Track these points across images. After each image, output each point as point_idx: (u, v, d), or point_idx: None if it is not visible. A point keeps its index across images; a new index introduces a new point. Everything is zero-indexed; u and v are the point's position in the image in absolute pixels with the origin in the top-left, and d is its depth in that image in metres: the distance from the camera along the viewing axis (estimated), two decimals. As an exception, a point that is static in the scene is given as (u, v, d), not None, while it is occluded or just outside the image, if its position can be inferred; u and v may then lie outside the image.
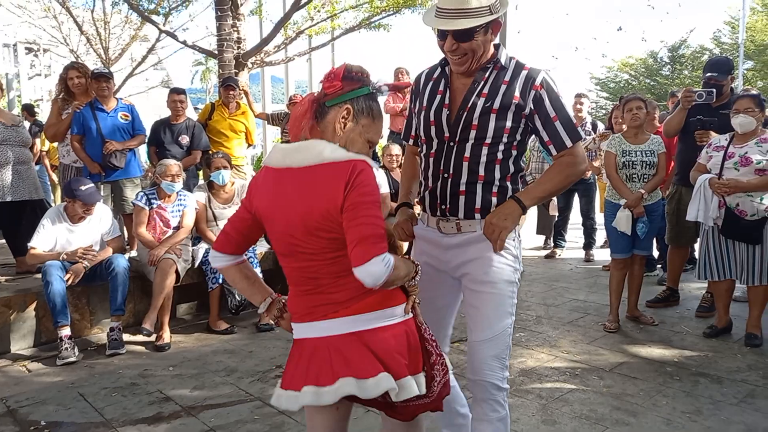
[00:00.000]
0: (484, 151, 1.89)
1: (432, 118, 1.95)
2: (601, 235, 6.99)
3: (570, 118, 1.90)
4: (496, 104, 1.86)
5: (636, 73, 29.61)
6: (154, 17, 9.31)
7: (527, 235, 7.41)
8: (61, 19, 14.41)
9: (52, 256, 3.89)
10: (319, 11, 9.39)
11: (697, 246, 4.37)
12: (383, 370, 1.54)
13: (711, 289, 4.28)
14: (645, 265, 4.44)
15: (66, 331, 3.79)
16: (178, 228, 4.29)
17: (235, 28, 7.73)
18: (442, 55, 1.94)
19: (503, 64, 1.90)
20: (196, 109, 21.77)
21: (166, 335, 4.05)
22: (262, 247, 4.93)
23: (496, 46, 1.92)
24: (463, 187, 1.91)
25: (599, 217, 6.66)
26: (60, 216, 4.01)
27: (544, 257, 6.77)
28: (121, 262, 3.98)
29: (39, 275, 4.00)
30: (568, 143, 1.88)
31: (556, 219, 6.83)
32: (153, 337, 4.05)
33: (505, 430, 1.98)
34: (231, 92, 5.87)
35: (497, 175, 1.91)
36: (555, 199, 6.77)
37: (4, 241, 5.14)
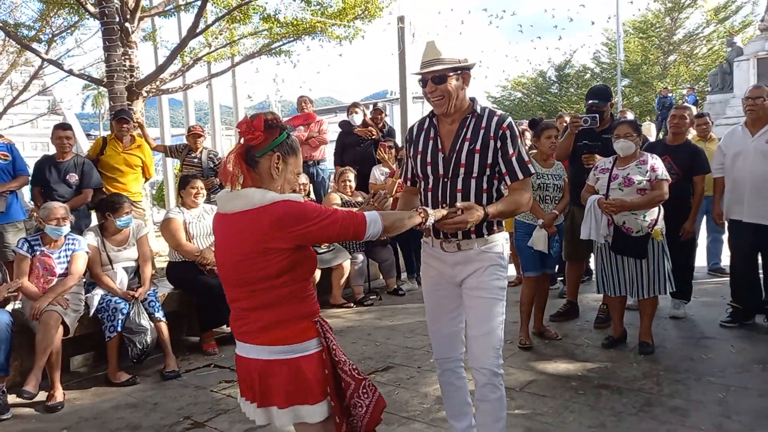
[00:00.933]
0: (472, 183, 2.37)
1: (429, 160, 2.43)
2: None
3: (524, 157, 2.38)
4: (478, 145, 2.35)
5: (528, 91, 31.49)
6: (35, 45, 8.68)
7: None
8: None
9: None
10: (217, 38, 9.17)
11: (592, 259, 4.66)
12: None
13: (606, 302, 4.56)
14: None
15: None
16: (65, 275, 3.97)
17: (126, 56, 7.36)
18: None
19: (479, 113, 2.40)
20: (88, 135, 20.51)
21: (59, 393, 3.71)
22: (164, 288, 4.69)
23: (472, 99, 2.43)
24: None
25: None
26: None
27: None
28: (2, 317, 3.61)
29: None
30: (520, 176, 2.37)
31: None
32: (44, 396, 3.70)
33: (502, 407, 2.42)
34: (124, 125, 5.57)
35: (484, 201, 2.36)
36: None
37: None
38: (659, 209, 4.01)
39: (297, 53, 9.98)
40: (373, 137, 6.79)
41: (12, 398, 3.67)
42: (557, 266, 5.84)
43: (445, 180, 2.39)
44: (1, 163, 4.51)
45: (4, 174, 4.52)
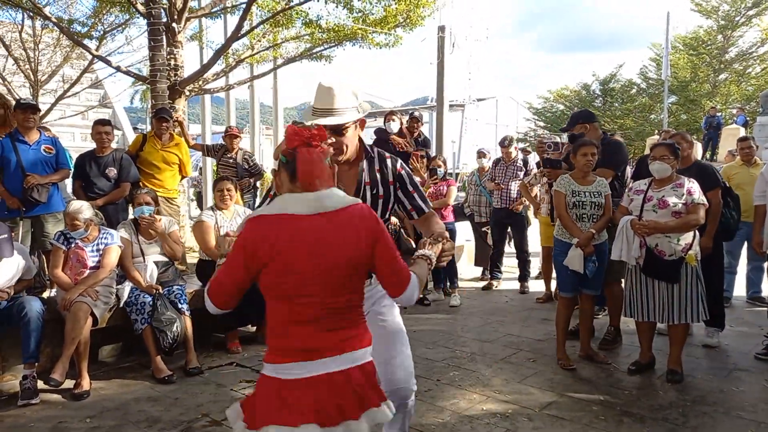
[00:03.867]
0: None
1: None
2: (535, 265, 7.19)
3: (422, 191, 2.47)
4: (381, 191, 2.36)
5: (570, 104, 31.00)
6: (87, 41, 8.99)
7: (466, 267, 7.54)
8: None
9: None
10: (260, 41, 9.34)
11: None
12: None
13: (636, 326, 4.42)
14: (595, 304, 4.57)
15: (-27, 382, 3.52)
16: (96, 268, 4.09)
17: (171, 56, 7.57)
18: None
19: (372, 154, 2.38)
20: (135, 129, 21.12)
21: (85, 382, 3.81)
22: (193, 285, 4.78)
23: (361, 140, 2.36)
24: None
25: (534, 248, 6.86)
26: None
27: (482, 288, 6.88)
28: (34, 306, 3.75)
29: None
30: (426, 209, 2.46)
31: (492, 251, 6.97)
32: (71, 384, 3.82)
33: (410, 416, 2.44)
34: (164, 124, 5.72)
35: None
36: (490, 231, 6.93)
37: None
38: (694, 234, 3.89)
39: (337, 57, 10.07)
40: (404, 149, 6.79)
41: (41, 384, 3.79)
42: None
43: None
44: (46, 155, 4.68)
45: (48, 167, 4.69)
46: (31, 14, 11.03)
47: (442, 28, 9.17)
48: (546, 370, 4.13)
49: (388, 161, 2.40)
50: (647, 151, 5.83)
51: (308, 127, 1.81)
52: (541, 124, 31.74)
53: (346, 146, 2.25)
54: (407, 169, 2.44)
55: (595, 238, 4.16)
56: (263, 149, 21.38)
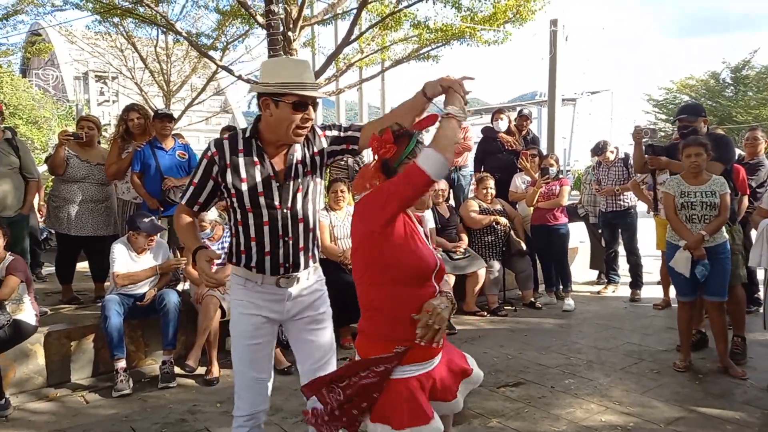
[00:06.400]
0: (310, 207, 2.25)
1: (260, 189, 2.15)
2: (653, 270, 6.75)
3: (340, 125, 2.29)
4: (309, 167, 2.22)
5: (697, 94, 28.60)
6: (211, 52, 9.69)
7: (580, 270, 7.23)
8: (126, 54, 15.23)
9: (147, 273, 4.20)
10: (369, 44, 9.56)
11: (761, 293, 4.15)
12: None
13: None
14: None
15: (122, 364, 3.95)
16: (223, 264, 4.40)
17: (287, 63, 7.96)
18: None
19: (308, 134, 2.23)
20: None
21: (215, 369, 4.14)
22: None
23: None
24: (302, 244, 2.25)
25: (645, 250, 6.44)
26: (126, 246, 4.23)
27: (597, 293, 6.57)
28: (172, 297, 4.13)
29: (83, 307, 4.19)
30: (358, 125, 2.28)
31: (606, 254, 6.63)
32: (203, 371, 4.15)
33: None
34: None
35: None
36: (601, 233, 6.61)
37: (53, 270, 5.44)
38: None
39: (443, 56, 10.08)
40: (513, 148, 6.64)
41: (178, 369, 4.17)
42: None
43: (285, 210, 2.18)
44: (180, 160, 5.11)
45: (181, 170, 5.12)
46: (165, 30, 12.07)
47: (554, 22, 8.84)
48: (671, 382, 3.88)
49: (318, 131, 2.27)
50: None
51: (374, 136, 1.91)
52: (663, 117, 29.57)
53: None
54: (318, 126, 2.28)
55: (707, 240, 3.85)
56: (370, 151, 21.85)
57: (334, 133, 2.28)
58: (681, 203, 3.95)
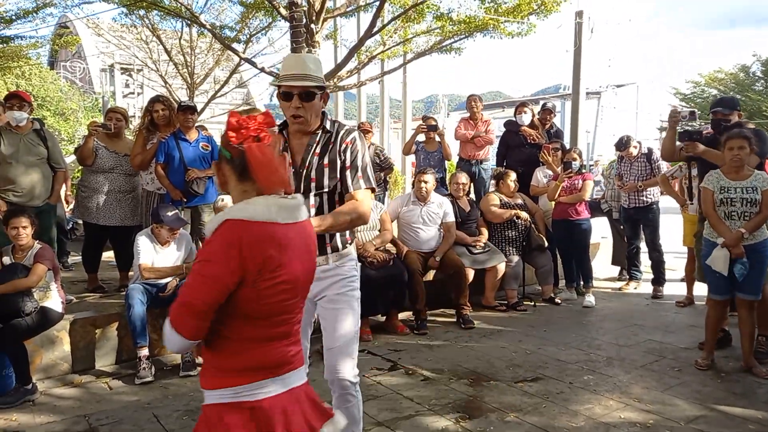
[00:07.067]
0: (325, 198, 2.36)
1: None
2: (676, 267, 6.64)
3: (359, 168, 2.35)
4: (326, 160, 2.33)
5: (725, 88, 27.92)
6: (235, 45, 9.75)
7: (602, 266, 7.15)
8: (151, 46, 15.41)
9: (174, 270, 4.30)
10: (391, 36, 9.52)
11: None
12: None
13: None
14: None
15: (144, 352, 4.03)
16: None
17: (310, 55, 7.97)
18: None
19: (328, 128, 2.37)
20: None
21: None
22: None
23: (324, 114, 2.38)
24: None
25: (668, 247, 6.33)
26: (150, 238, 4.31)
27: (619, 289, 6.50)
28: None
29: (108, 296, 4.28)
30: (350, 189, 2.34)
31: (628, 249, 6.54)
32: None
33: (358, 414, 2.42)
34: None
35: None
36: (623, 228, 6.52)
37: (80, 258, 5.55)
38: None
39: (466, 48, 9.99)
40: (536, 141, 6.58)
41: (199, 359, 4.24)
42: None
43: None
44: (203, 152, 5.17)
45: (204, 162, 5.18)
46: (189, 22, 12.18)
47: (579, 14, 8.69)
48: (693, 380, 3.82)
49: (342, 133, 2.37)
50: None
51: (253, 116, 1.52)
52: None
53: (311, 113, 2.29)
54: (359, 142, 2.38)
55: (746, 238, 3.76)
56: (390, 143, 21.85)
57: (346, 164, 2.36)
58: (720, 199, 3.86)
